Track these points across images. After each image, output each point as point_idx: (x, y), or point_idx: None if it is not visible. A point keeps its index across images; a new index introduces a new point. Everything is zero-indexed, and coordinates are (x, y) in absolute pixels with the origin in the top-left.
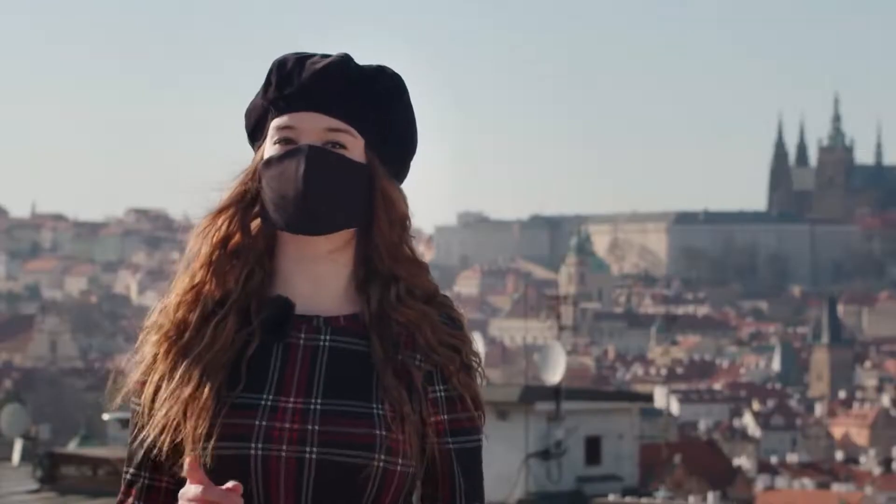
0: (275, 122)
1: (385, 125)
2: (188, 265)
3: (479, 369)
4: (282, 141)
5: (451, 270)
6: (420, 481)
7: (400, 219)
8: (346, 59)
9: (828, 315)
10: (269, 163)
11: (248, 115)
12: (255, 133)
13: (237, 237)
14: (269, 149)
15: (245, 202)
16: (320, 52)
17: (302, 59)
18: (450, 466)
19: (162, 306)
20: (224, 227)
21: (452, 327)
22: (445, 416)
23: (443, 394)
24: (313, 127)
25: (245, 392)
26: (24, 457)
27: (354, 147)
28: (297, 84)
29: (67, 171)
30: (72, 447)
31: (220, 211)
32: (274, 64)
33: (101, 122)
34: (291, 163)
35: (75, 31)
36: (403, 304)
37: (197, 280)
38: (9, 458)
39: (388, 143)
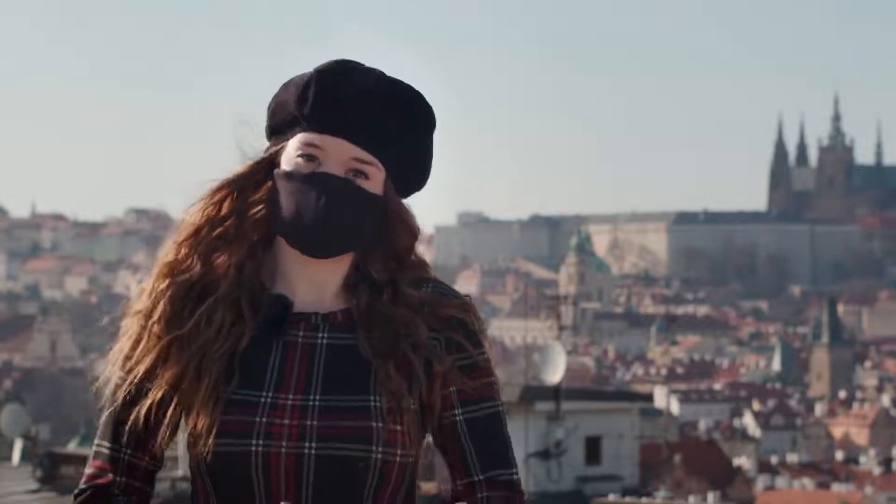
0: (302, 137)
1: (409, 157)
2: (176, 238)
3: (484, 336)
4: (306, 157)
5: (451, 270)
6: (443, 459)
7: (412, 237)
8: (383, 85)
9: (828, 315)
10: (290, 176)
11: (273, 111)
12: (276, 129)
13: (229, 221)
14: (292, 160)
15: (242, 186)
16: (330, 55)
17: (342, 76)
18: (459, 438)
19: (147, 277)
20: (218, 207)
21: (453, 299)
22: (452, 389)
23: (450, 366)
24: (341, 155)
25: (245, 389)
26: (24, 457)
27: (376, 178)
28: (334, 107)
29: (67, 171)
30: (72, 447)
31: (218, 189)
32: (314, 75)
33: (101, 122)
34: (314, 188)
35: (75, 31)
36: (396, 303)
37: (181, 254)
38: (9, 458)
39: (408, 173)
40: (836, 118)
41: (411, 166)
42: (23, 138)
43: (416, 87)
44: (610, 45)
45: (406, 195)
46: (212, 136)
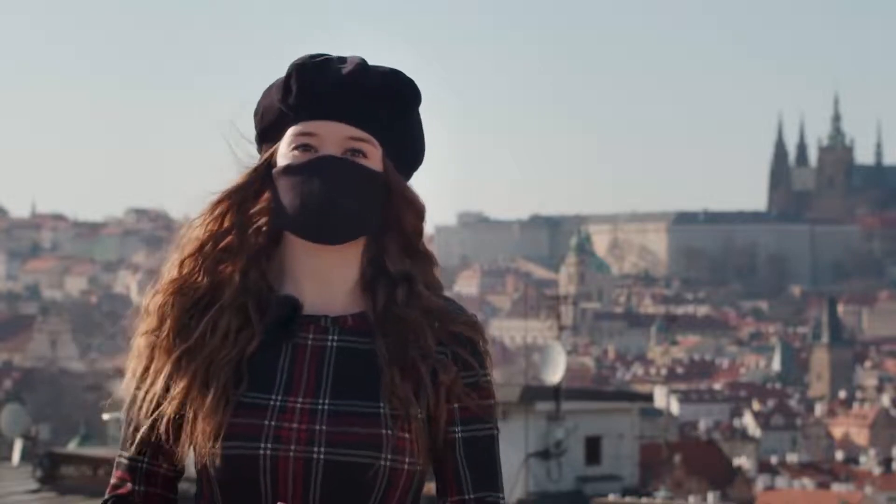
0: (294, 129)
1: (401, 132)
2: (179, 254)
3: (489, 357)
4: (301, 147)
5: (451, 270)
6: (434, 472)
7: (419, 217)
8: (365, 66)
9: (828, 315)
10: (288, 169)
11: (260, 115)
12: (266, 133)
13: (232, 233)
14: (287, 154)
15: (242, 197)
16: (325, 52)
17: (321, 63)
18: (456, 455)
19: (151, 295)
20: (219, 220)
21: (463, 316)
22: (456, 405)
23: (455, 379)
24: (335, 136)
25: (254, 392)
26: (24, 457)
27: (373, 155)
28: (319, 92)
29: (67, 171)
30: (72, 447)
31: (218, 203)
32: (292, 68)
33: (101, 122)
34: (314, 173)
35: (75, 31)
36: (410, 305)
37: (185, 270)
38: (9, 458)
39: (403, 149)
40: (836, 118)
41: (405, 144)
42: (23, 138)
43: (395, 67)
44: (610, 45)
45: (405, 175)
46: (212, 136)
